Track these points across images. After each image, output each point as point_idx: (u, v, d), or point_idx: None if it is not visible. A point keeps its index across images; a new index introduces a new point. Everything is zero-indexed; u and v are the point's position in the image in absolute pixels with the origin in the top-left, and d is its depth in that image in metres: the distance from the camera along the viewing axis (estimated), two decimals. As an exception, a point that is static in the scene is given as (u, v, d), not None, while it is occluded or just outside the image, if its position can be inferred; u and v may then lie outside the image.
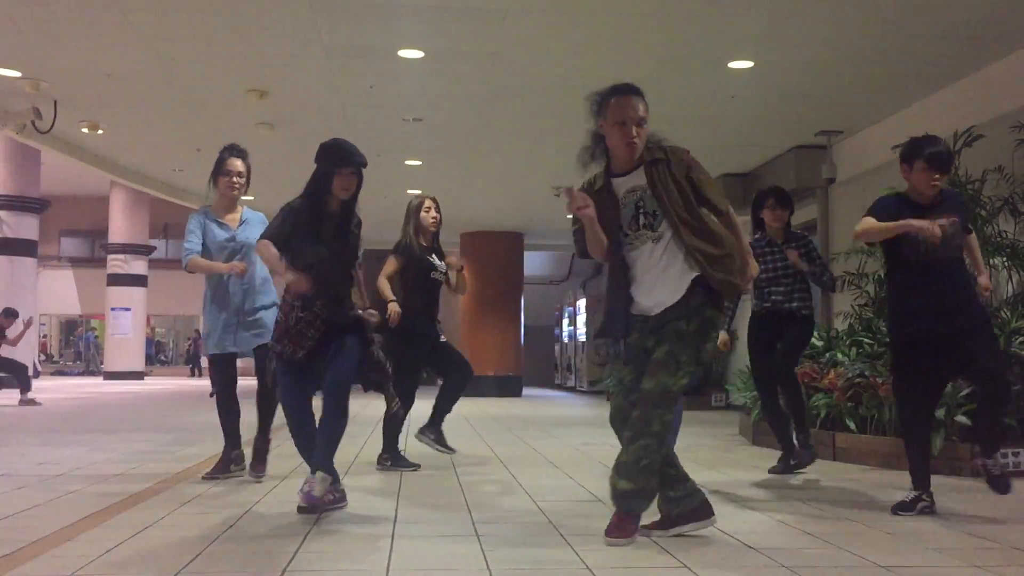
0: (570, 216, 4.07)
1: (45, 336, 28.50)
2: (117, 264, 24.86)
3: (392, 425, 6.21)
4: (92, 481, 5.41)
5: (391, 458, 6.18)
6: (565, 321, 23.77)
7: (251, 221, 5.62)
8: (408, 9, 7.41)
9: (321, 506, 4.31)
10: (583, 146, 4.01)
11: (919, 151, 4.44)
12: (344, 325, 4.44)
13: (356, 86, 9.40)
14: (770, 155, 11.94)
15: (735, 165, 12.33)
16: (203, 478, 5.49)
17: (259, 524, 4.12)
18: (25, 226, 18.98)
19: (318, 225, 4.44)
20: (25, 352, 18.68)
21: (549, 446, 7.78)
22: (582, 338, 21.68)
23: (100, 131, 11.22)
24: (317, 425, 4.42)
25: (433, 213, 6.31)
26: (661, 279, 3.79)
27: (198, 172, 14.28)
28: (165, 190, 15.39)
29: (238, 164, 5.56)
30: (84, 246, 30.23)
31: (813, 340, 7.63)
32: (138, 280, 25.14)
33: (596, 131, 3.96)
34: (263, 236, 4.49)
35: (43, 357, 27.63)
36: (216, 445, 7.19)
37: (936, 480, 5.68)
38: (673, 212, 3.76)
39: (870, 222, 4.42)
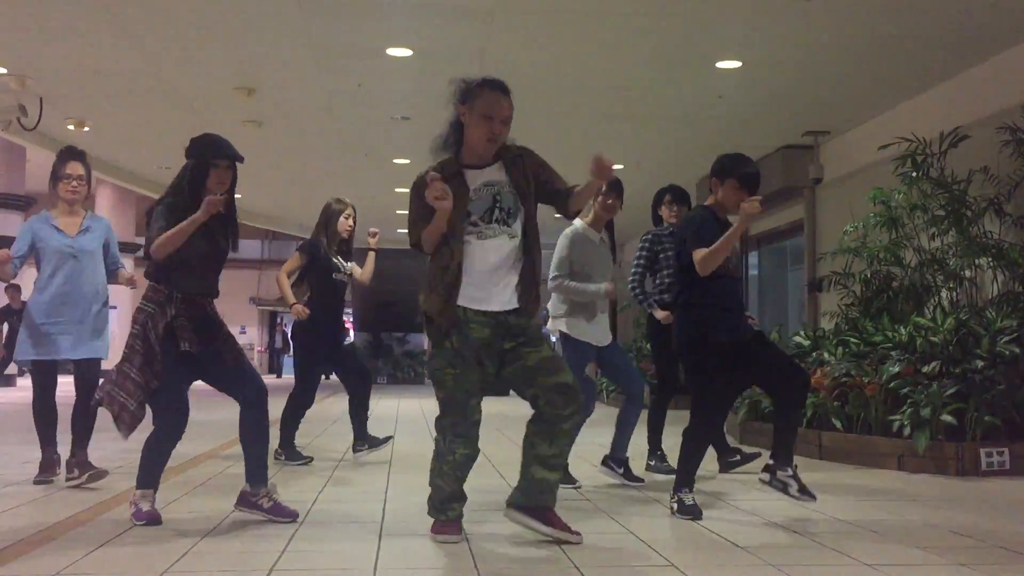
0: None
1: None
2: (103, 262, 24.80)
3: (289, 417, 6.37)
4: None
5: (286, 452, 6.30)
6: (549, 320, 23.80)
7: (94, 229, 5.46)
8: (396, 8, 7.40)
9: (251, 510, 4.18)
10: (437, 134, 3.99)
11: (732, 170, 4.48)
12: (207, 325, 4.21)
13: (344, 84, 9.38)
14: (757, 155, 11.96)
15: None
16: (34, 482, 5.29)
17: (246, 523, 4.11)
18: (10, 224, 18.83)
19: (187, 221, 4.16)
20: (9, 350, 18.62)
21: (537, 445, 7.77)
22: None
23: (86, 128, 11.17)
24: (242, 436, 4.20)
25: (350, 222, 6.45)
26: (509, 278, 3.78)
27: (90, 179, 14.25)
28: (151, 188, 15.32)
29: (78, 168, 5.41)
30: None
31: (800, 339, 7.69)
32: (123, 278, 25.05)
33: (456, 119, 3.94)
34: (146, 250, 4.20)
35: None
36: (203, 444, 7.17)
37: (922, 479, 5.73)
38: (530, 213, 3.85)
39: (702, 252, 4.34)
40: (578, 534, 3.73)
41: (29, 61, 8.82)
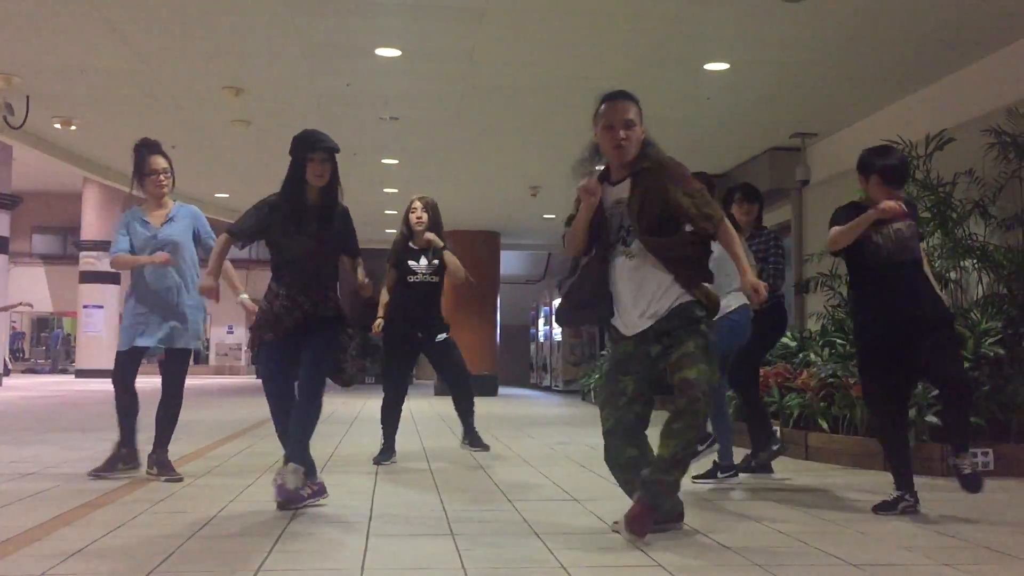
0: (568, 214, 4.07)
1: (15, 330, 28.19)
2: (90, 261, 24.62)
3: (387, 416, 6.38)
4: (64, 479, 5.36)
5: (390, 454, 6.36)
6: (541, 321, 23.80)
7: (178, 217, 5.53)
8: (385, 8, 7.40)
9: (297, 499, 4.30)
10: (579, 158, 4.01)
11: (871, 165, 4.52)
12: (324, 319, 4.46)
13: (333, 84, 9.37)
14: (745, 156, 12.02)
15: (710, 166, 12.36)
16: (88, 475, 5.36)
17: (234, 522, 4.10)
18: (-4, 222, 18.76)
19: (299, 217, 4.43)
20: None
21: (524, 445, 7.79)
22: (557, 338, 21.71)
23: (73, 127, 11.13)
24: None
25: (416, 215, 6.38)
26: (641, 298, 3.77)
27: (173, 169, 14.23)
28: (139, 187, 15.26)
29: (161, 161, 5.48)
30: (56, 243, 29.90)
31: (786, 340, 7.70)
32: (111, 277, 24.89)
33: (594, 143, 3.97)
34: (226, 230, 4.52)
35: (16, 354, 27.32)
36: (189, 444, 7.15)
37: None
38: (644, 228, 3.75)
39: (836, 229, 4.48)
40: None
41: (16, 59, 8.79)
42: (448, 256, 6.40)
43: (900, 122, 8.62)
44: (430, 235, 6.37)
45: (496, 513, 4.41)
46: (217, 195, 15.26)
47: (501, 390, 19.32)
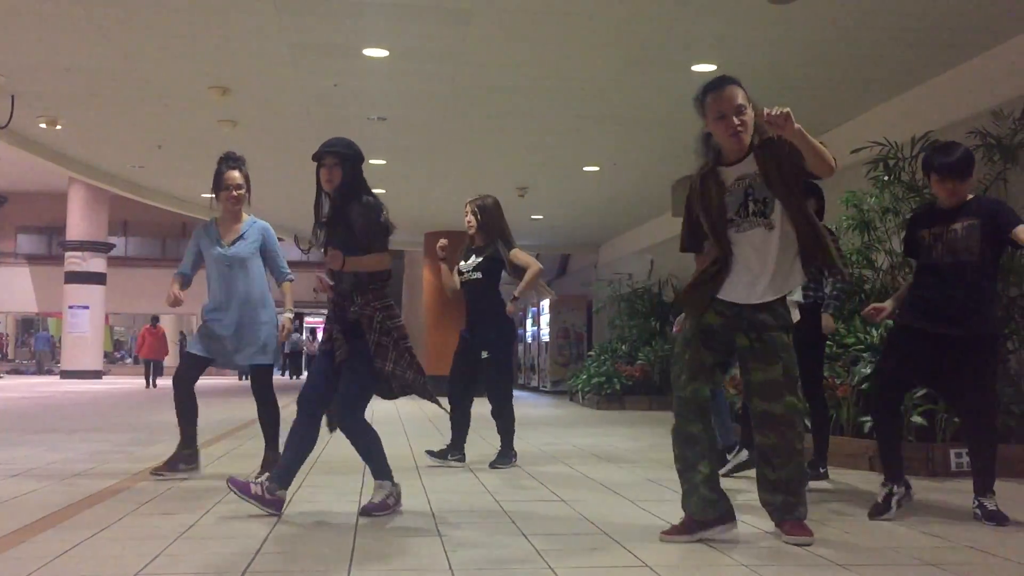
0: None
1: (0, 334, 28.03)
2: (75, 261, 24.50)
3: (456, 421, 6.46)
4: (50, 481, 5.34)
5: (455, 453, 6.41)
6: (528, 321, 23.81)
7: (248, 235, 5.60)
8: (373, 8, 7.39)
9: (378, 512, 4.35)
10: (695, 150, 4.10)
11: (930, 163, 4.58)
12: (346, 327, 4.39)
13: (320, 84, 9.35)
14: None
15: (697, 168, 12.42)
16: (151, 474, 5.48)
17: (220, 525, 4.09)
18: (-19, 222, 18.66)
19: (326, 222, 4.46)
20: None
21: (512, 446, 7.78)
22: (545, 338, 21.72)
23: (58, 126, 11.07)
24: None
25: (467, 218, 6.47)
26: (768, 270, 3.77)
27: (158, 169, 14.17)
28: (125, 187, 15.21)
29: (235, 177, 5.55)
30: (41, 243, 29.77)
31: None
32: (97, 278, 24.79)
33: (704, 132, 4.01)
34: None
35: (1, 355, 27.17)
36: (175, 445, 7.12)
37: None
38: (784, 197, 3.76)
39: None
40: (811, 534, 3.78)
41: (0, 58, 8.73)
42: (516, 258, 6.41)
43: (886, 124, 8.66)
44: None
45: (484, 514, 4.41)
46: (203, 195, 15.23)
47: (489, 391, 19.28)
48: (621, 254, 19.34)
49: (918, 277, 4.62)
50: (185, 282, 5.60)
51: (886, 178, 7.49)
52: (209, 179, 5.66)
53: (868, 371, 6.34)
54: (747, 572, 3.26)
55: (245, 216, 5.67)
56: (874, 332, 6.74)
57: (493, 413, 6.45)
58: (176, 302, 5.45)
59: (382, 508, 4.36)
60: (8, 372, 28.46)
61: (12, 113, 10.15)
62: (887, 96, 9.14)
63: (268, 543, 3.70)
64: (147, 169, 13.80)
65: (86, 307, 24.57)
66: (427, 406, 13.75)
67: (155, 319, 22.09)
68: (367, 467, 4.54)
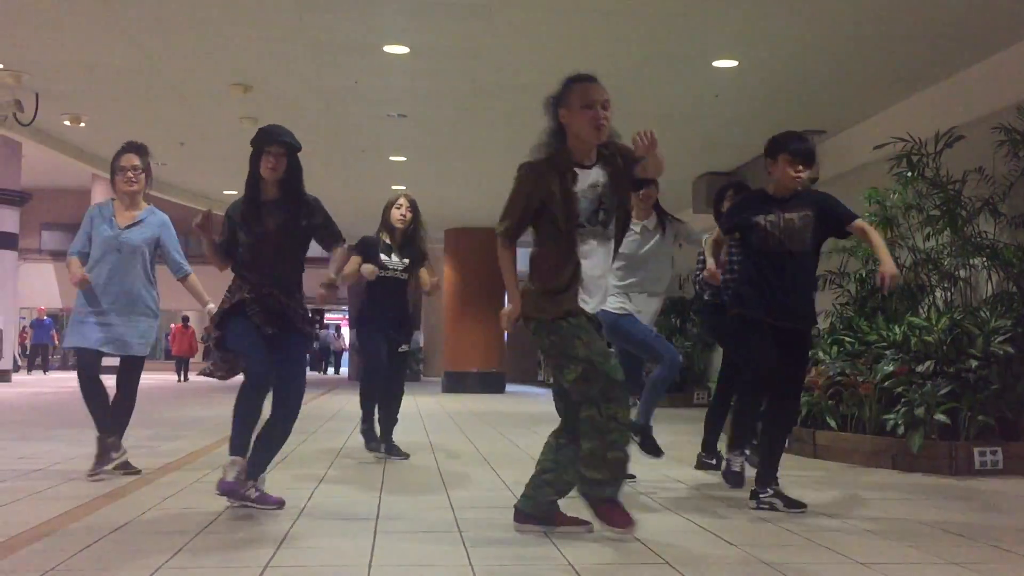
0: None
1: (25, 330, 28.25)
2: (99, 258, 24.67)
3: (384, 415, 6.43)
4: (71, 476, 5.38)
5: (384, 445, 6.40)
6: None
7: (146, 223, 5.44)
8: (393, 5, 7.40)
9: (239, 495, 4.25)
10: (538, 143, 3.95)
11: (783, 145, 4.64)
12: (292, 320, 4.34)
13: (341, 81, 9.37)
14: (753, 154, 11.97)
15: (718, 164, 12.37)
16: (88, 477, 5.23)
17: (241, 519, 4.11)
18: (5, 219, 18.86)
19: (255, 212, 4.34)
20: (5, 347, 18.56)
21: (532, 442, 7.79)
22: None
23: (82, 124, 11.15)
24: (262, 431, 4.37)
25: (402, 212, 6.31)
26: (605, 281, 3.87)
27: (181, 166, 14.25)
28: (111, 183, 15.31)
29: (133, 159, 5.43)
30: (65, 239, 29.76)
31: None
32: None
33: (556, 124, 3.90)
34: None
35: (23, 351, 27.41)
36: (199, 440, 7.17)
37: (915, 478, 5.74)
38: (620, 209, 3.85)
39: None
40: (588, 523, 3.80)
41: (25, 56, 8.81)
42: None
43: (909, 119, 8.58)
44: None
45: (503, 510, 4.40)
46: (225, 192, 15.29)
47: (508, 387, 19.33)
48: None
49: (754, 265, 4.59)
50: (84, 261, 5.36)
51: (909, 174, 7.44)
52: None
53: (891, 368, 6.29)
54: (770, 570, 3.24)
55: (144, 204, 5.53)
56: (897, 330, 6.69)
57: (393, 406, 6.47)
58: (83, 282, 5.22)
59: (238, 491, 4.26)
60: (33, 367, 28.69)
61: (37, 111, 10.24)
62: (910, 92, 9.06)
63: (288, 537, 3.72)
64: (169, 166, 13.87)
65: (186, 315, 24.75)
66: (445, 402, 13.77)
67: (186, 319, 22.82)
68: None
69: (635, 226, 5.37)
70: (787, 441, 4.70)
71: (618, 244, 3.92)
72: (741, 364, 4.79)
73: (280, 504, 4.30)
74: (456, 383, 18.51)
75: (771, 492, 4.46)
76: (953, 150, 7.40)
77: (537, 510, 3.86)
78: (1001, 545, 3.73)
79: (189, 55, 8.63)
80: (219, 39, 8.19)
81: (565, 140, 3.88)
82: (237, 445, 4.31)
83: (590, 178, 3.82)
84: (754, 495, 4.52)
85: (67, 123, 11.11)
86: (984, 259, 7.15)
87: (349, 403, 10.62)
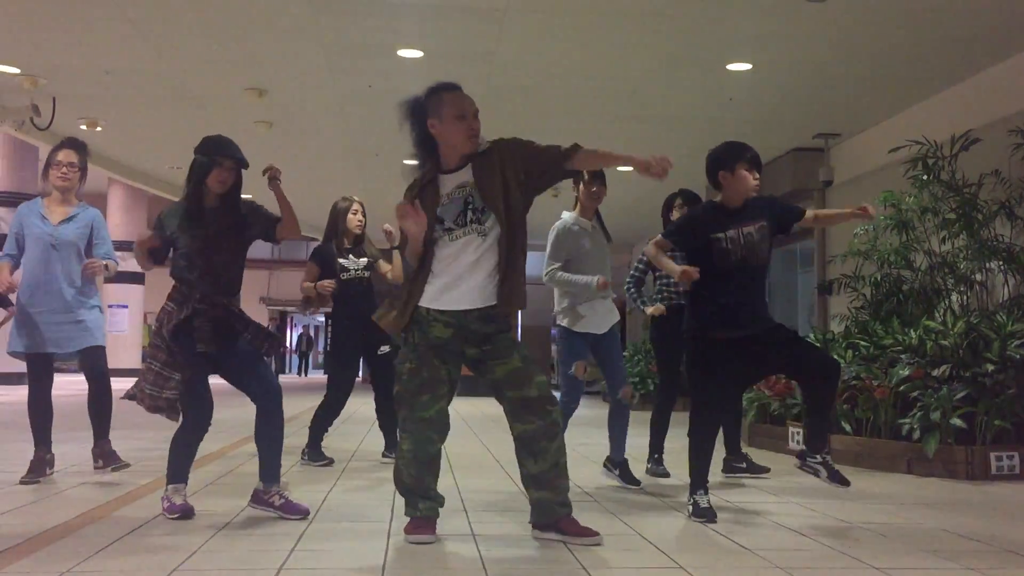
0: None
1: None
2: (114, 261, 24.80)
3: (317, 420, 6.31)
4: (90, 477, 5.41)
5: (310, 452, 6.28)
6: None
7: (79, 219, 5.39)
8: (407, 8, 7.42)
9: (263, 501, 4.23)
10: (413, 159, 3.97)
11: (739, 154, 4.46)
12: (235, 328, 4.23)
13: (355, 85, 9.41)
14: (768, 157, 11.95)
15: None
16: (20, 482, 5.17)
17: (256, 522, 4.13)
18: (22, 222, 18.96)
19: (196, 218, 4.27)
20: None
21: (545, 446, 7.78)
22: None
23: (98, 128, 11.23)
24: (256, 437, 4.30)
25: (359, 217, 6.40)
26: (476, 277, 3.77)
27: (85, 169, 14.31)
28: (163, 188, 15.40)
29: (70, 155, 5.37)
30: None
31: (811, 342, 7.66)
32: (135, 277, 25.06)
33: (424, 134, 3.87)
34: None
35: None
36: (214, 442, 7.19)
37: (931, 482, 5.71)
38: (509, 208, 3.79)
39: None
40: (597, 534, 3.74)
41: (42, 61, 8.88)
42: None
43: (925, 122, 8.55)
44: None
45: (517, 514, 4.40)
46: (241, 196, 15.40)
47: (522, 391, 19.29)
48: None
49: (711, 285, 4.35)
50: (15, 265, 5.31)
51: (925, 177, 7.41)
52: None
53: (906, 372, 6.26)
54: (783, 574, 3.23)
55: (76, 201, 5.47)
56: (912, 334, 6.66)
57: (382, 409, 6.44)
58: (11, 287, 5.17)
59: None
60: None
61: (54, 115, 10.31)
62: (925, 94, 9.02)
63: (303, 541, 3.73)
64: (185, 170, 13.92)
65: (125, 306, 24.86)
66: (456, 405, 13.77)
67: None
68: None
69: (583, 224, 5.36)
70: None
71: (507, 248, 3.80)
72: (695, 389, 4.46)
73: (304, 514, 4.21)
74: (469, 387, 18.45)
75: (819, 459, 4.39)
76: (969, 153, 7.37)
77: (544, 516, 3.84)
78: (1018, 550, 3.70)
79: (204, 59, 8.68)
80: (234, 43, 8.24)
81: (435, 149, 3.89)
82: (175, 474, 4.25)
83: (455, 180, 3.84)
84: (801, 455, 4.47)
85: (83, 127, 11.18)
86: (1000, 262, 7.12)
87: (362, 405, 10.63)
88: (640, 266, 5.98)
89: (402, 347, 3.86)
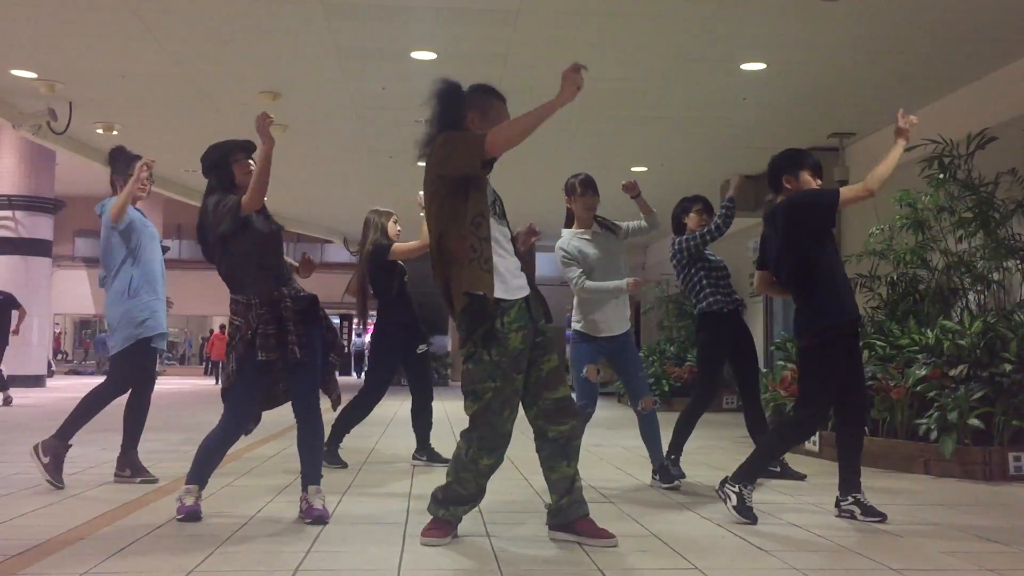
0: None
1: (59, 333, 28.62)
2: (131, 264, 24.93)
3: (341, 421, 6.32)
4: (105, 480, 5.44)
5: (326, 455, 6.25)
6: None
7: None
8: (421, 11, 7.43)
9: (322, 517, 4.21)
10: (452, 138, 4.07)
11: (803, 159, 4.61)
12: (306, 310, 4.29)
13: (368, 88, 9.42)
14: (782, 157, 11.92)
15: (747, 167, 12.29)
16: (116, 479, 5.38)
17: (271, 524, 4.14)
18: (40, 226, 19.07)
19: (246, 219, 4.36)
20: (40, 351, 18.78)
21: (560, 447, 7.78)
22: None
23: (115, 132, 11.28)
24: (299, 442, 4.31)
25: (399, 227, 6.53)
26: (512, 264, 3.93)
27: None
28: (178, 191, 15.47)
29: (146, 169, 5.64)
30: (98, 246, 30.27)
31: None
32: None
33: (456, 117, 4.04)
34: (231, 229, 4.33)
35: (58, 356, 27.76)
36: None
37: (948, 483, 5.68)
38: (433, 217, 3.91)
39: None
40: (612, 536, 3.74)
41: (58, 66, 8.93)
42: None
43: (940, 121, 8.50)
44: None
45: (532, 515, 4.41)
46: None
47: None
48: (669, 255, 19.20)
49: (828, 267, 4.48)
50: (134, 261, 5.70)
51: (941, 176, 7.36)
52: None
53: (923, 372, 6.23)
54: (798, 575, 3.22)
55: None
56: (929, 333, 6.62)
57: (418, 411, 6.47)
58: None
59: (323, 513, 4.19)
60: (67, 373, 29.06)
61: (70, 120, 10.38)
62: (941, 93, 8.97)
63: (318, 541, 3.74)
64: (200, 173, 14.01)
65: None
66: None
67: (224, 327, 23.18)
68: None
69: (583, 234, 5.39)
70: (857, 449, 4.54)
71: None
72: (806, 398, 4.31)
73: (323, 521, 4.16)
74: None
75: (851, 500, 4.41)
76: (985, 151, 7.32)
77: (565, 517, 3.84)
78: (1036, 551, 3.68)
79: (219, 63, 8.72)
80: (248, 47, 8.27)
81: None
82: (193, 475, 4.27)
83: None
84: (837, 503, 4.48)
85: (100, 131, 11.25)
86: (1018, 262, 7.07)
87: (377, 408, 10.66)
88: (721, 221, 5.72)
89: (473, 364, 3.71)
